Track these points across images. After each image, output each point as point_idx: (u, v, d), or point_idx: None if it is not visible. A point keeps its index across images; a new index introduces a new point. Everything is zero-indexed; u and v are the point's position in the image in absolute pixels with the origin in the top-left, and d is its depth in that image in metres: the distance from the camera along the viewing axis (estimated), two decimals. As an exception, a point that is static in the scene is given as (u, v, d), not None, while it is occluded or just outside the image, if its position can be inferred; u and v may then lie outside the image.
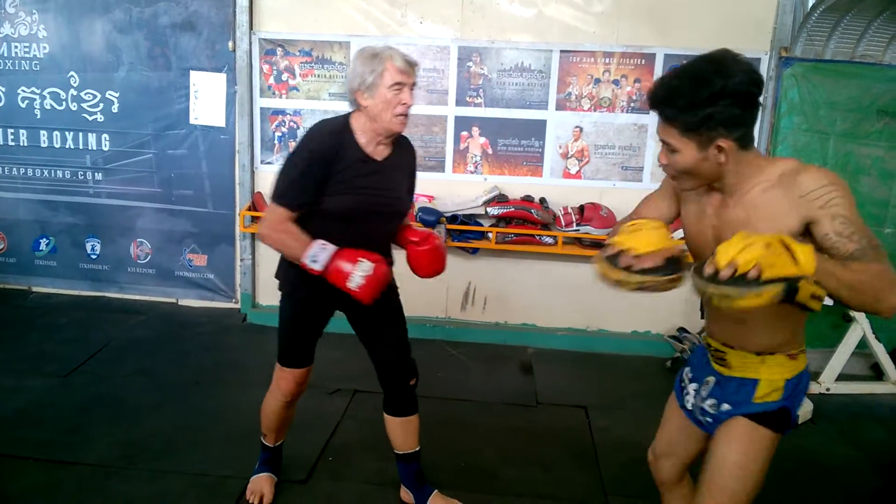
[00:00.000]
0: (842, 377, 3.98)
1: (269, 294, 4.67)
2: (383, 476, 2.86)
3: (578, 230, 4.18)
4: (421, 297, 4.56)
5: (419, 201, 4.28)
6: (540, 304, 4.51)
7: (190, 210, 4.66)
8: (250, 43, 4.32)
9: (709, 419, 1.86)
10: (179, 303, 4.84)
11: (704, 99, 1.51)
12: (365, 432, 3.22)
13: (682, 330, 4.27)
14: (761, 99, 1.58)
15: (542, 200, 4.29)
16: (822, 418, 3.64)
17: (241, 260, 4.62)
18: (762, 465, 1.73)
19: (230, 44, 4.36)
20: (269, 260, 4.60)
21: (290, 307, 2.50)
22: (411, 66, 2.22)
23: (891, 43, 4.03)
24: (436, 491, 2.68)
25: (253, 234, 4.55)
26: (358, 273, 2.13)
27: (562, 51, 4.20)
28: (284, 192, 2.22)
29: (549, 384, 3.89)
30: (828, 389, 3.93)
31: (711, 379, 1.86)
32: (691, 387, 1.95)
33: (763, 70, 4.13)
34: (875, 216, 4.05)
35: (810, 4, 3.91)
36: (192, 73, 4.48)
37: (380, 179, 2.28)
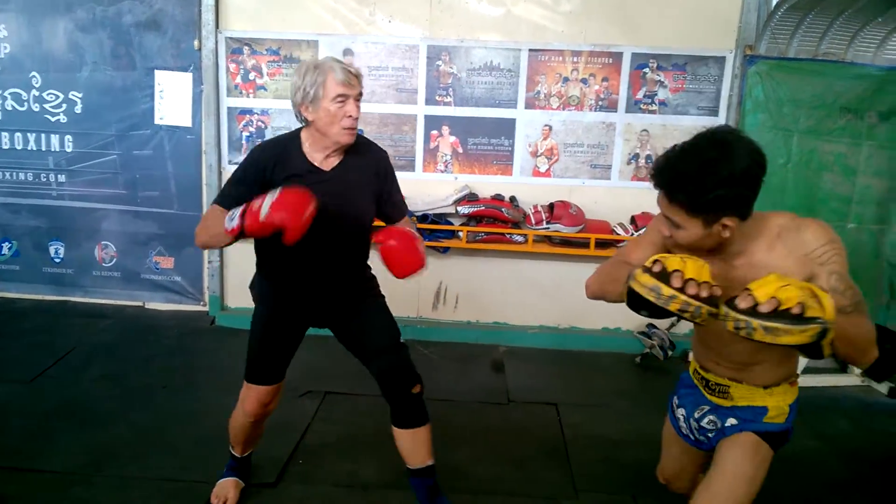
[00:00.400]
0: (807, 370, 4.04)
1: (239, 296, 4.61)
2: (354, 479, 2.84)
3: (548, 228, 4.19)
4: (392, 297, 4.50)
5: (389, 201, 4.26)
6: (511, 303, 4.52)
7: (156, 212, 4.59)
8: (216, 42, 4.27)
9: (709, 435, 1.94)
10: (146, 306, 4.76)
11: (713, 184, 1.53)
12: (336, 434, 3.20)
13: (650, 326, 4.30)
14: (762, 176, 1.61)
15: (513, 199, 4.30)
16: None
17: (209, 262, 4.56)
18: (762, 479, 1.81)
19: (196, 42, 4.30)
20: (237, 262, 4.55)
21: (258, 319, 2.46)
22: (354, 77, 2.16)
23: (853, 41, 4.10)
24: None
25: (221, 236, 4.49)
26: (266, 203, 1.96)
27: (530, 50, 4.21)
28: (221, 193, 2.31)
29: (520, 382, 3.90)
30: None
31: (705, 407, 1.94)
32: (679, 412, 2.06)
33: (728, 68, 4.19)
34: (838, 212, 4.12)
35: (774, 3, 3.97)
36: (157, 72, 4.41)
37: (328, 189, 2.17)
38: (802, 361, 3.97)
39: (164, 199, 4.57)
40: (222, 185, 2.24)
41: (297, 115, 2.23)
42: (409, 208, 4.20)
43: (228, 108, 4.37)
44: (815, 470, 3.16)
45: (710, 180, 1.53)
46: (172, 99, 4.44)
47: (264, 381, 2.46)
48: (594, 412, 3.58)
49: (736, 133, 1.62)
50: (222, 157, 4.43)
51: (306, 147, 2.24)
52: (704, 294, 1.45)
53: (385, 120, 4.33)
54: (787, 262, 1.64)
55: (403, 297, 4.52)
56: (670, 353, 4.18)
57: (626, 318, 4.52)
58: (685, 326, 4.49)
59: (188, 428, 3.19)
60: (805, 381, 3.96)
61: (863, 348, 1.57)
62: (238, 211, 2.02)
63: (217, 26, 4.26)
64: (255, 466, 2.84)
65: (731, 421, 1.88)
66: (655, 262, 1.50)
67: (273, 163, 2.20)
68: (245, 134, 4.39)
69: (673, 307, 1.47)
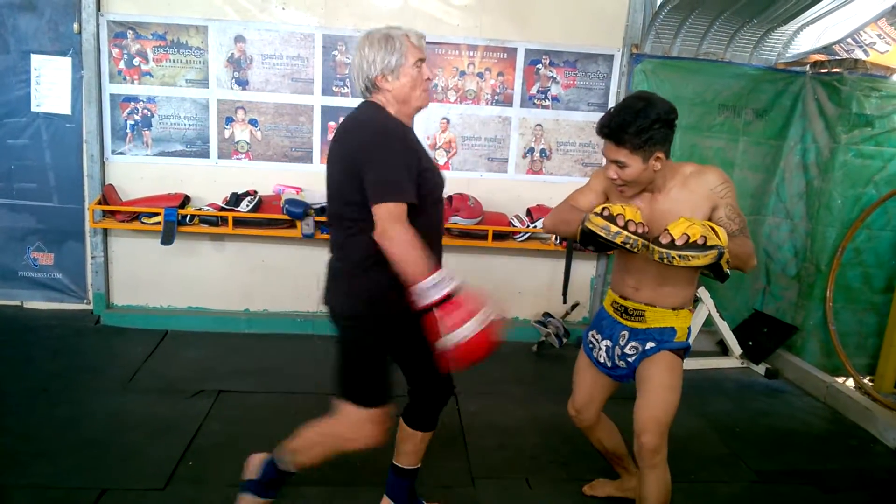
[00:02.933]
0: (691, 354, 4.23)
1: (125, 293, 4.41)
2: (248, 477, 2.76)
3: (448, 220, 4.22)
4: (291, 292, 4.47)
5: (286, 193, 4.18)
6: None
7: (33, 205, 4.30)
8: (98, 25, 4.04)
9: (630, 360, 2.35)
10: (24, 305, 4.46)
11: (647, 126, 2.07)
12: (230, 433, 3.11)
13: (546, 314, 4.43)
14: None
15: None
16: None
17: (93, 257, 4.32)
18: (681, 387, 2.28)
19: (75, 26, 4.06)
20: (122, 257, 4.35)
21: (379, 342, 2.16)
22: (422, 39, 2.19)
23: (731, 41, 4.35)
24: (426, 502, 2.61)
25: (105, 230, 4.27)
26: (472, 323, 1.84)
27: (427, 42, 4.20)
28: (400, 189, 1.95)
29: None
30: (679, 366, 4.20)
31: (626, 333, 2.36)
32: (603, 343, 2.43)
33: (616, 65, 4.35)
34: (718, 203, 4.36)
35: (658, 3, 4.15)
36: (33, 56, 4.13)
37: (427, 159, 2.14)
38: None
39: (42, 191, 4.29)
40: (377, 177, 1.95)
41: (365, 90, 2.12)
42: (307, 200, 4.14)
43: (111, 95, 4.14)
44: (696, 447, 3.34)
45: (644, 122, 2.06)
46: (50, 85, 4.17)
47: (390, 398, 2.20)
48: (492, 400, 3.64)
49: (651, 93, 2.20)
50: (105, 147, 4.20)
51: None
52: (640, 231, 1.97)
53: (280, 110, 4.23)
54: (695, 196, 2.18)
55: (302, 291, 4.46)
56: (565, 340, 4.31)
57: (522, 308, 4.63)
58: (578, 314, 4.65)
59: (69, 433, 3.02)
60: (688, 364, 4.18)
61: (745, 260, 2.08)
62: (431, 290, 1.90)
63: (98, 9, 4.03)
64: (142, 472, 2.74)
65: (650, 344, 2.31)
66: (604, 208, 1.99)
67: (411, 136, 2.12)
68: (130, 122, 4.18)
69: (619, 240, 1.95)
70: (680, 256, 1.88)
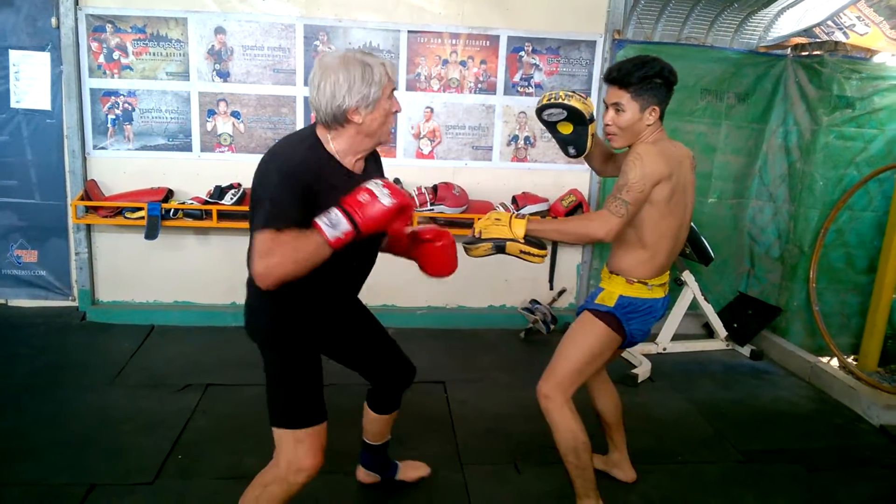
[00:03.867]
0: (677, 337, 4.30)
1: (111, 289, 4.38)
2: (236, 470, 2.76)
3: (433, 209, 4.22)
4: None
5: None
6: (399, 285, 4.52)
7: (15, 202, 4.27)
8: (76, 19, 3.99)
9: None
10: (9, 304, 4.43)
11: (650, 75, 2.23)
12: (217, 427, 3.11)
13: (534, 301, 4.44)
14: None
15: (397, 181, 4.29)
16: (661, 376, 3.92)
17: (77, 254, 4.29)
18: (591, 345, 2.38)
19: (53, 20, 4.02)
20: (108, 253, 4.33)
21: (294, 360, 2.07)
22: (393, 67, 2.00)
23: (712, 26, 4.36)
24: (400, 462, 2.77)
25: (88, 226, 4.24)
26: (379, 193, 1.79)
27: (409, 31, 4.20)
28: (269, 218, 1.78)
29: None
30: (665, 349, 4.23)
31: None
32: None
33: (598, 51, 4.35)
34: (700, 188, 4.39)
35: (639, -11, 4.16)
36: (10, 52, 4.09)
37: None
38: (672, 327, 4.24)
39: (23, 188, 4.26)
40: (259, 211, 1.80)
41: (331, 120, 1.90)
42: (291, 192, 4.12)
43: (91, 90, 4.10)
44: (682, 428, 3.37)
45: (650, 71, 2.23)
46: (29, 80, 4.13)
47: (321, 418, 2.08)
48: (480, 387, 3.66)
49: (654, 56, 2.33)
50: (86, 142, 4.16)
51: (334, 150, 1.94)
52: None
53: (262, 101, 4.21)
54: (621, 163, 2.29)
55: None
56: (553, 326, 4.33)
57: (510, 295, 4.64)
58: (565, 301, 4.67)
59: (55, 429, 3.01)
60: (674, 347, 4.28)
61: (581, 237, 2.30)
62: (333, 218, 1.76)
63: (77, 3, 3.99)
64: (130, 467, 2.74)
65: (581, 304, 2.54)
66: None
67: (312, 175, 1.86)
68: (111, 117, 4.14)
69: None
70: (465, 249, 2.31)
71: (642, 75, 2.23)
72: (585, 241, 2.37)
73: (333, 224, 1.76)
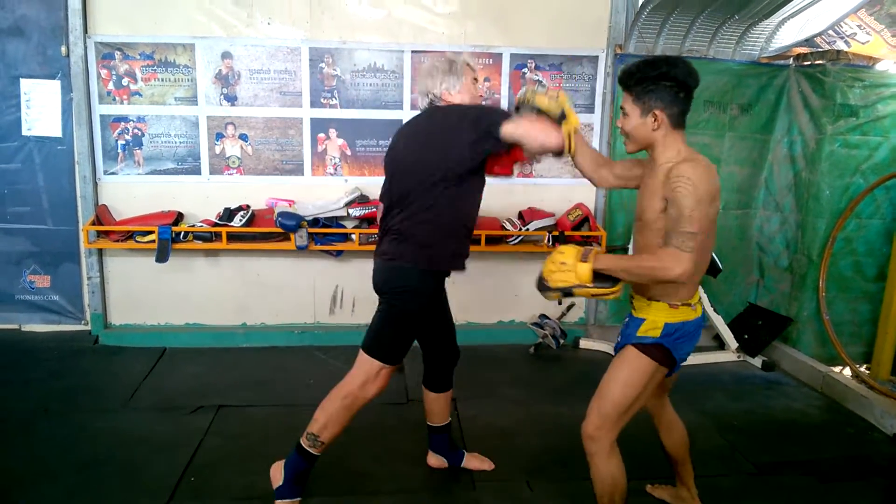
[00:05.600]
0: (687, 349, 4.28)
1: (123, 313, 4.43)
2: (251, 491, 2.78)
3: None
4: (287, 305, 4.49)
5: (279, 206, 4.21)
6: (408, 302, 4.55)
7: (28, 228, 4.33)
8: (85, 47, 4.07)
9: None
10: (23, 329, 4.48)
11: (651, 77, 2.06)
12: (230, 448, 3.12)
13: (543, 316, 4.45)
14: (694, 93, 2.13)
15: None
16: (672, 389, 3.90)
17: (89, 278, 4.34)
18: (637, 383, 2.19)
19: (63, 49, 4.10)
20: (120, 276, 4.37)
21: (416, 312, 2.58)
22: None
23: (714, 38, 4.39)
24: (468, 453, 3.02)
25: (100, 250, 4.29)
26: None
27: (413, 51, 4.25)
28: (498, 120, 2.39)
29: (420, 381, 3.92)
30: (676, 362, 4.21)
31: (626, 320, 2.32)
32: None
33: (601, 67, 4.39)
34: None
35: (640, 4, 4.19)
36: (22, 80, 4.17)
37: None
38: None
39: (36, 214, 4.32)
40: (484, 118, 2.38)
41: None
42: (299, 212, 4.17)
43: (101, 116, 4.17)
44: (694, 441, 3.29)
45: (650, 73, 2.06)
46: (40, 108, 4.21)
47: (400, 361, 2.64)
48: (490, 403, 3.67)
49: (684, 59, 2.11)
50: (97, 168, 4.23)
51: None
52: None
53: (270, 124, 4.26)
54: (657, 182, 2.08)
55: (300, 302, 4.49)
56: (562, 341, 4.34)
57: (519, 311, 4.65)
58: (574, 315, 4.68)
59: (70, 453, 3.03)
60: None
61: (650, 277, 2.06)
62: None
63: (85, 31, 4.06)
64: (144, 489, 2.76)
65: (618, 338, 2.30)
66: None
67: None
68: (121, 142, 4.21)
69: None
70: (543, 294, 2.20)
71: (641, 77, 2.08)
72: (657, 282, 2.08)
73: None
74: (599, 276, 2.10)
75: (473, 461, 3.00)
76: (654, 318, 2.18)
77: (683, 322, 2.19)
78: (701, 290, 4.24)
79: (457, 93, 2.56)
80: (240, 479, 2.88)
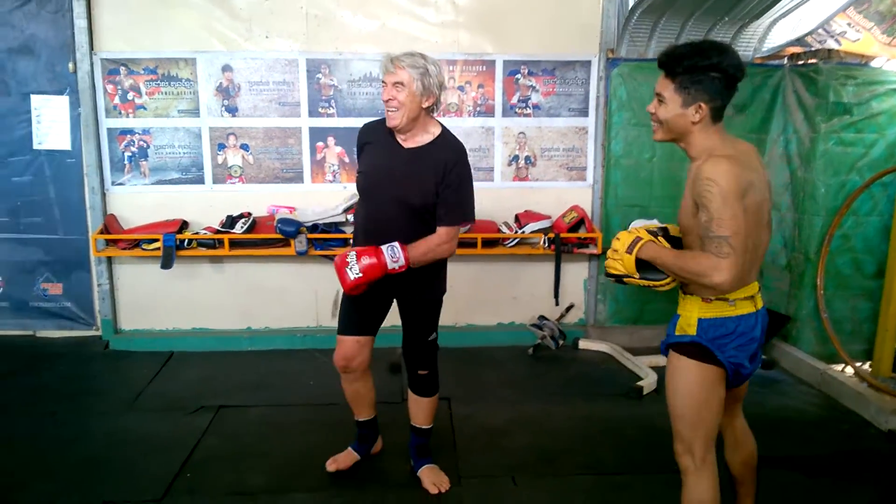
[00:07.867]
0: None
1: (132, 318, 4.57)
2: (242, 487, 2.88)
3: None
4: (288, 308, 4.60)
5: (279, 213, 4.32)
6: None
7: (40, 238, 4.49)
8: (91, 63, 4.23)
9: None
10: (37, 335, 4.64)
11: (701, 66, 1.90)
12: (228, 447, 3.22)
13: (542, 318, 4.50)
14: (738, 86, 1.98)
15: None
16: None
17: (99, 285, 4.49)
18: (690, 385, 2.04)
19: (70, 65, 4.26)
20: (128, 283, 4.51)
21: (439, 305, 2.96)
22: (389, 61, 2.63)
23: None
24: (428, 465, 2.97)
25: (109, 258, 4.44)
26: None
27: (408, 59, 4.34)
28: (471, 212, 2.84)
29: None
30: (672, 361, 4.22)
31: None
32: None
33: (593, 71, 4.44)
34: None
35: (629, 8, 4.24)
36: (32, 97, 4.34)
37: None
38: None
39: (48, 224, 4.48)
40: (463, 206, 2.81)
41: (434, 108, 2.70)
42: (299, 219, 4.27)
43: (108, 129, 4.33)
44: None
45: (701, 62, 1.90)
46: (50, 123, 4.37)
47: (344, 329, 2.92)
48: (484, 403, 3.72)
49: (731, 47, 1.97)
50: (105, 179, 4.38)
51: None
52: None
53: (270, 134, 4.39)
54: (690, 180, 1.98)
55: (302, 307, 4.59)
56: (561, 342, 4.38)
57: (518, 312, 4.71)
58: (574, 316, 4.72)
59: (71, 452, 3.16)
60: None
61: (695, 276, 1.91)
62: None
63: (91, 48, 4.22)
64: (140, 485, 2.87)
65: (663, 337, 2.19)
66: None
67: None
68: (127, 154, 4.36)
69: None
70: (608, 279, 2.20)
71: (691, 65, 1.91)
72: (703, 283, 1.89)
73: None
74: (651, 267, 2.01)
75: (430, 475, 2.92)
76: (688, 314, 2.05)
77: (721, 318, 2.01)
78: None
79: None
80: (233, 475, 2.98)
